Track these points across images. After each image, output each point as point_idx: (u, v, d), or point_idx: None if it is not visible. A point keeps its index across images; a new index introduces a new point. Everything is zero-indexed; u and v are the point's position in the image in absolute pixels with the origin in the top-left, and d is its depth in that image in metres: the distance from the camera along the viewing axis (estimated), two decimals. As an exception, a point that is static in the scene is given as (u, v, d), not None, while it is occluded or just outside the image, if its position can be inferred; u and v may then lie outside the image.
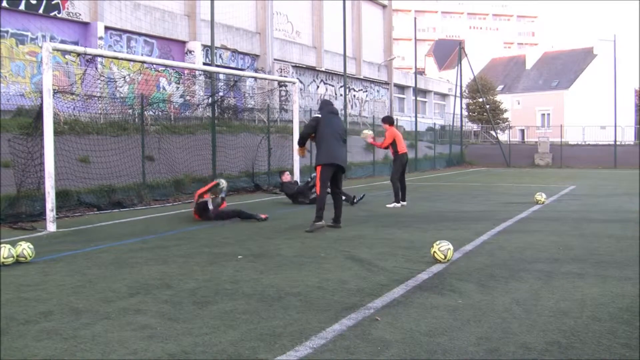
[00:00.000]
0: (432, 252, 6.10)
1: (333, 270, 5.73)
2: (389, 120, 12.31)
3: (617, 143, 33.70)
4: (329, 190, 8.85)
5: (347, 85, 28.59)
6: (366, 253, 6.65)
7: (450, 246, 6.10)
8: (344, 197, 11.27)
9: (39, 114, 9.42)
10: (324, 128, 8.59)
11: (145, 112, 15.25)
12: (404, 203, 11.88)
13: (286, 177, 12.88)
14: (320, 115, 8.73)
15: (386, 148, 12.36)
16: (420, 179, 21.16)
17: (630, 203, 12.22)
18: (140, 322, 4.12)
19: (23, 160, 9.58)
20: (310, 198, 11.91)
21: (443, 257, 6.02)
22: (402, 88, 46.11)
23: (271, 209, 11.43)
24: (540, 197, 12.25)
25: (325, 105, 9.00)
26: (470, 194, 14.98)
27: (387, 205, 11.68)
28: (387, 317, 4.18)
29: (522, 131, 52.24)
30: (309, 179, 12.52)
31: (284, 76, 27.08)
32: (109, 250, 7.04)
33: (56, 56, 19.20)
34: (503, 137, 43.29)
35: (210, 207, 9.64)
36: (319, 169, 8.58)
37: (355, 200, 11.92)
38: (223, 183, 9.91)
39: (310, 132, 8.74)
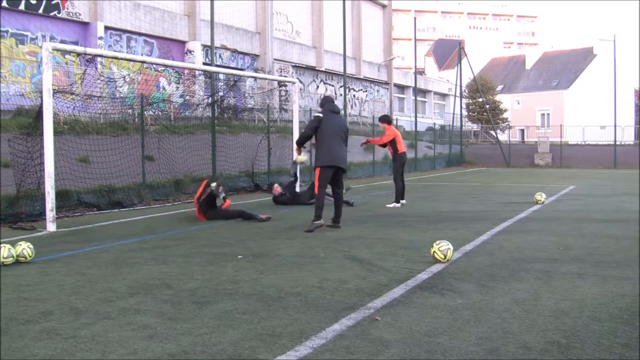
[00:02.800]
0: (432, 252, 6.10)
1: (333, 270, 5.73)
2: (387, 119, 12.32)
3: (617, 143, 33.69)
4: (328, 190, 8.85)
5: (347, 85, 28.58)
6: (366, 253, 6.66)
7: (450, 246, 6.10)
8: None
9: (38, 113, 9.41)
10: (325, 128, 8.46)
11: (145, 112, 15.25)
12: (403, 202, 11.88)
13: (276, 190, 12.51)
14: (321, 115, 8.56)
15: (384, 146, 12.33)
16: (420, 179, 21.16)
17: (630, 203, 12.23)
18: (140, 322, 4.12)
19: (23, 160, 9.57)
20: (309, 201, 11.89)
21: (443, 257, 6.02)
22: (402, 88, 46.11)
23: (271, 209, 11.43)
24: (540, 197, 12.25)
25: (327, 103, 8.81)
26: (470, 194, 14.98)
27: (387, 205, 11.68)
28: (387, 317, 4.18)
29: (522, 131, 52.26)
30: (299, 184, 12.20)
31: (284, 76, 27.08)
32: (108, 250, 7.04)
33: (56, 56, 19.20)
34: (503, 137, 43.27)
35: (222, 195, 9.73)
36: (317, 170, 8.49)
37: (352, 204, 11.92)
38: (212, 185, 9.75)
39: (312, 133, 8.55)
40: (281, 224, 9.19)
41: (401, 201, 11.82)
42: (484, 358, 3.42)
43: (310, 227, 8.31)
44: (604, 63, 47.80)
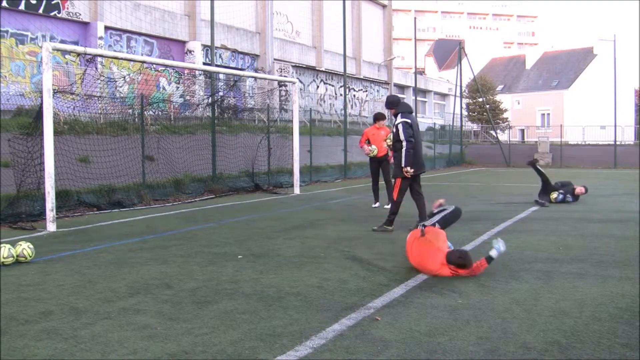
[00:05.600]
0: (432, 252, 6.09)
1: (333, 270, 5.73)
2: (382, 116, 12.12)
3: (617, 143, 33.67)
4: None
5: (347, 85, 28.57)
6: (366, 253, 6.66)
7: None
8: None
9: (38, 113, 9.41)
10: (415, 134, 8.16)
11: (145, 112, 15.24)
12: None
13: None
14: (410, 121, 8.14)
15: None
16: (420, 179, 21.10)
17: (630, 203, 12.22)
18: (140, 322, 4.12)
19: (23, 160, 9.57)
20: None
21: (443, 257, 6.01)
22: (402, 88, 46.09)
23: (271, 209, 11.43)
24: (540, 197, 12.24)
25: (401, 103, 8.42)
26: (470, 194, 14.98)
27: (385, 206, 11.64)
28: (387, 317, 4.18)
29: (522, 131, 52.25)
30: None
31: (284, 76, 27.08)
32: (108, 250, 7.04)
33: (56, 56, 19.19)
34: (503, 137, 43.26)
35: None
36: (399, 180, 8.27)
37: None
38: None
39: (414, 141, 8.08)
40: (281, 224, 9.19)
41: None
42: (484, 358, 3.42)
43: (378, 228, 8.36)
44: (604, 63, 47.79)
